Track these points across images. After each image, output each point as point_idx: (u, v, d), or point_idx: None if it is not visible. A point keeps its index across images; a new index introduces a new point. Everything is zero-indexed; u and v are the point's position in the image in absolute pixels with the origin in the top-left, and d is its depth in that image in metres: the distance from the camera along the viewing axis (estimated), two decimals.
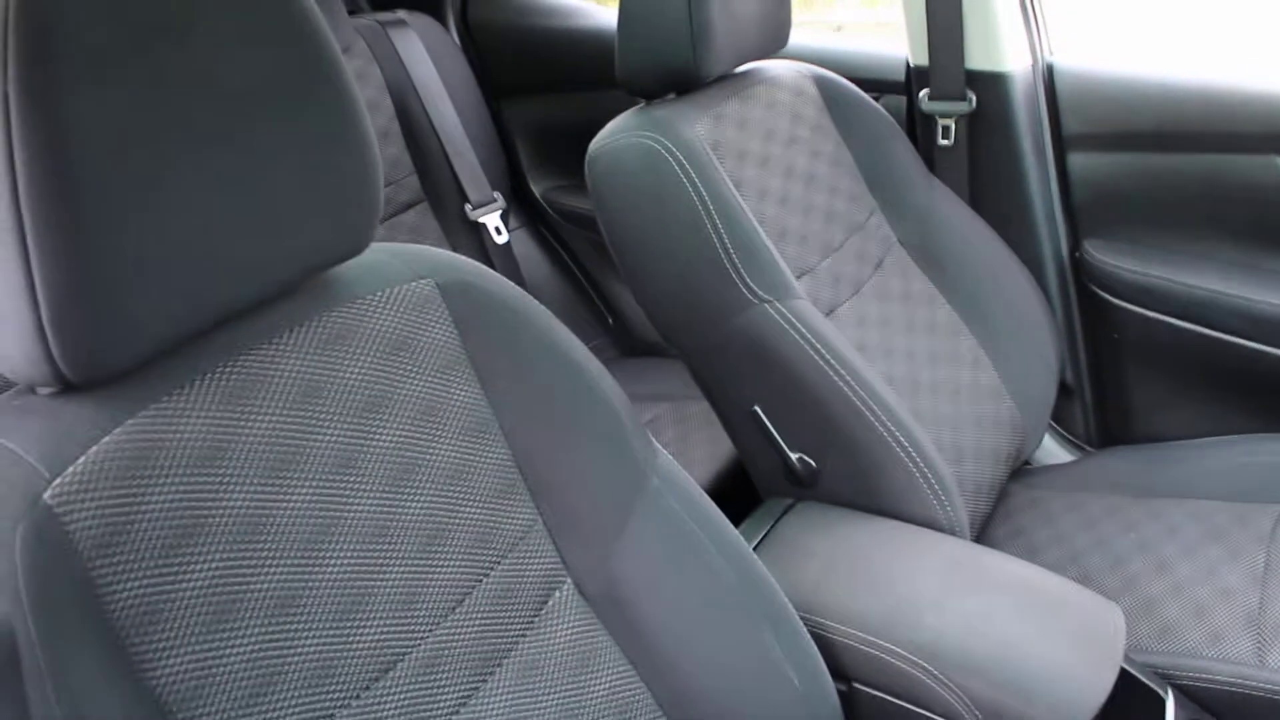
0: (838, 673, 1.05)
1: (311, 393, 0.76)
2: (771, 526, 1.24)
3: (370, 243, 0.80)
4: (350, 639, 0.74)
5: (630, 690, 0.89)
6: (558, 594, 0.88)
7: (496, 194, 2.09)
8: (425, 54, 2.03)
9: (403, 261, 0.86)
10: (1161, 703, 1.07)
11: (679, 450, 1.72)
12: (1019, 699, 0.98)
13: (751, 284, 1.24)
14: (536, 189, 2.31)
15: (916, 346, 1.44)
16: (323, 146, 0.72)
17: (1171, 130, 1.59)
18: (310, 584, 0.73)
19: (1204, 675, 1.16)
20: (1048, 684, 0.99)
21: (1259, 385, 1.57)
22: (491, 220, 2.06)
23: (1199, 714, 1.14)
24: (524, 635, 0.85)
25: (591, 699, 0.87)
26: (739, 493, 1.44)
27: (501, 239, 2.07)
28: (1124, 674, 1.04)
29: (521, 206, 2.32)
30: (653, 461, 0.95)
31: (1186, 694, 1.15)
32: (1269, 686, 1.14)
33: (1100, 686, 0.99)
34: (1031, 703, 0.98)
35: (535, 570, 0.87)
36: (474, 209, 2.04)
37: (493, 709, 0.81)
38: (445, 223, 2.03)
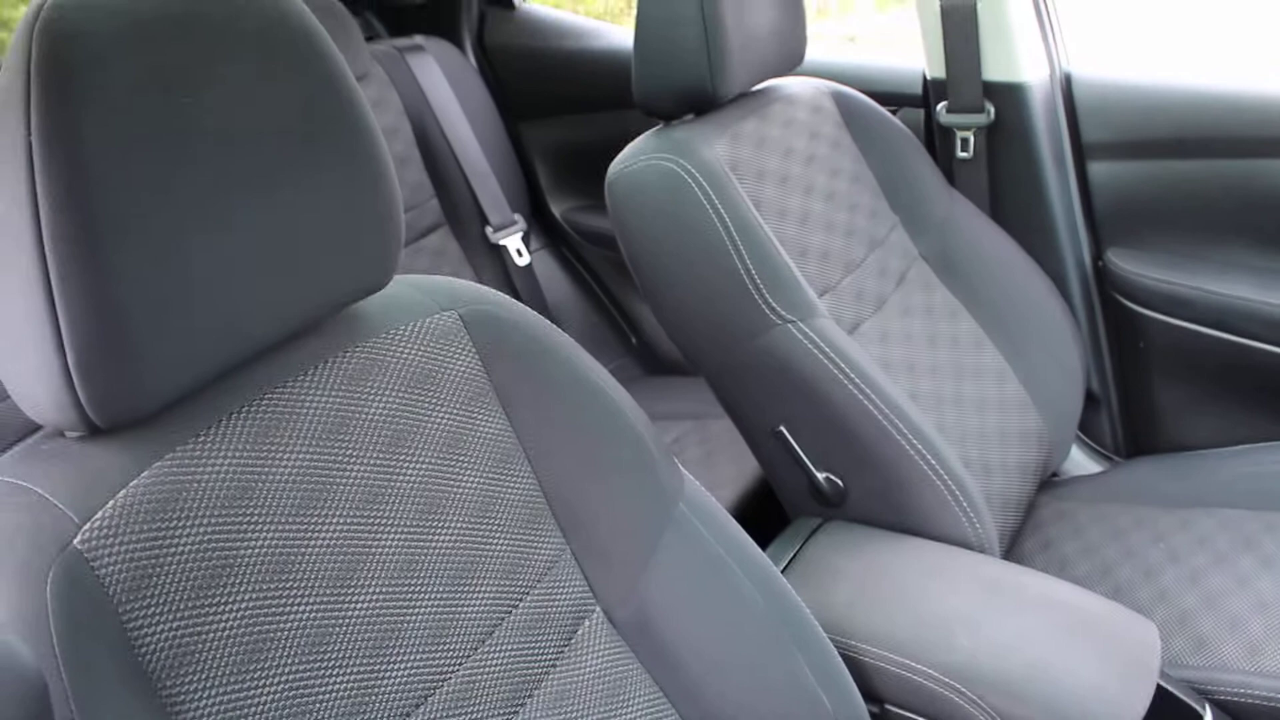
0: (870, 695, 1.04)
1: (337, 429, 0.76)
2: (800, 547, 1.23)
3: (393, 276, 0.80)
4: (381, 674, 0.74)
5: (662, 718, 0.89)
6: (587, 623, 0.87)
7: (517, 216, 2.10)
8: (443, 78, 2.05)
9: (425, 294, 0.86)
10: (1199, 719, 1.06)
11: (704, 469, 1.72)
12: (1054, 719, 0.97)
13: (774, 304, 1.24)
14: (557, 210, 2.32)
15: (940, 361, 1.43)
16: (343, 184, 0.73)
17: (1192, 136, 1.58)
18: (340, 621, 0.73)
19: (1242, 690, 1.14)
20: (1083, 704, 0.98)
21: None
22: (513, 242, 2.07)
23: None
24: (554, 665, 0.85)
25: None
26: (766, 512, 1.44)
27: (523, 261, 2.08)
28: (1160, 691, 1.03)
29: (542, 228, 2.33)
30: (679, 487, 0.95)
31: (1224, 709, 1.14)
32: None
33: (1136, 705, 0.98)
34: None
35: (564, 599, 0.86)
36: (495, 231, 2.06)
37: None
38: (467, 246, 2.04)
